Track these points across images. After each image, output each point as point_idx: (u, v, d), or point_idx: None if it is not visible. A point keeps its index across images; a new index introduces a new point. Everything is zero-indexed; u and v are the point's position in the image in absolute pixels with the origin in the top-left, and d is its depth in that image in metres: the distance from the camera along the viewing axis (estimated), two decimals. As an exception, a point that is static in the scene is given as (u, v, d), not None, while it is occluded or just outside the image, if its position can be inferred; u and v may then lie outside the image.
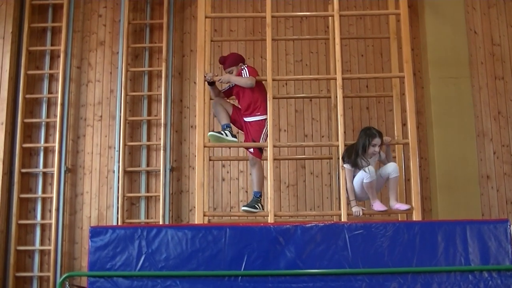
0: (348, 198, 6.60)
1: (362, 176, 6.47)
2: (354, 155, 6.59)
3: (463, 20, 8.80)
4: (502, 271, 5.15)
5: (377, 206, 6.56)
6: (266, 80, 6.81)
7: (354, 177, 6.62)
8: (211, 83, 6.91)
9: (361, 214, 6.56)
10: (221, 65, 7.22)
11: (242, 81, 6.79)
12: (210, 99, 7.28)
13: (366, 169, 6.43)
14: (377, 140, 6.57)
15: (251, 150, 6.82)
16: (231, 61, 7.04)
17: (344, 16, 7.77)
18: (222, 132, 6.78)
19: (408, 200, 6.72)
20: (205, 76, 6.77)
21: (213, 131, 6.88)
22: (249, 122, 6.85)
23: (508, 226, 5.25)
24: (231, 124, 6.93)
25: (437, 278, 5.10)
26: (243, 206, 6.79)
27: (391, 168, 6.59)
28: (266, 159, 6.76)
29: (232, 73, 6.97)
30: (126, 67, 8.80)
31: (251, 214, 6.70)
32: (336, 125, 7.39)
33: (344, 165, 6.64)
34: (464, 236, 5.21)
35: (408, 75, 6.86)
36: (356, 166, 6.59)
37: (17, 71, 8.82)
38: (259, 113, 6.80)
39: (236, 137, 6.87)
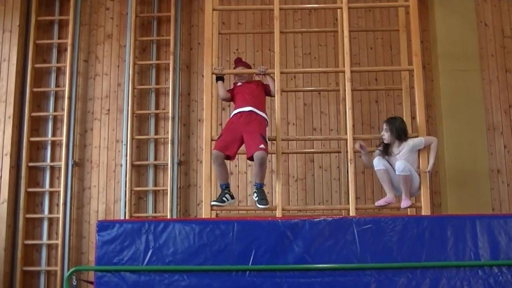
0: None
1: None
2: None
3: (473, 12, 8.72)
4: (513, 266, 5.11)
5: (380, 201, 6.65)
6: (274, 73, 6.81)
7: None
8: (221, 78, 6.91)
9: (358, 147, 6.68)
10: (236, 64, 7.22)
11: (273, 84, 6.88)
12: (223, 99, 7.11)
13: (376, 158, 6.58)
14: (383, 127, 6.73)
15: (262, 146, 6.40)
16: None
17: (352, 9, 7.71)
18: (224, 198, 6.64)
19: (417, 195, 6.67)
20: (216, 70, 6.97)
21: (215, 199, 6.69)
22: (261, 115, 6.66)
23: (519, 221, 5.20)
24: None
25: (447, 273, 5.05)
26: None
27: (396, 166, 6.47)
28: (274, 153, 6.72)
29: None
30: (133, 60, 8.77)
31: (255, 208, 6.67)
32: (344, 119, 7.36)
33: None
34: (474, 231, 5.16)
35: (417, 68, 6.83)
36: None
37: (25, 65, 8.80)
38: (265, 112, 6.77)
39: (233, 198, 6.80)
